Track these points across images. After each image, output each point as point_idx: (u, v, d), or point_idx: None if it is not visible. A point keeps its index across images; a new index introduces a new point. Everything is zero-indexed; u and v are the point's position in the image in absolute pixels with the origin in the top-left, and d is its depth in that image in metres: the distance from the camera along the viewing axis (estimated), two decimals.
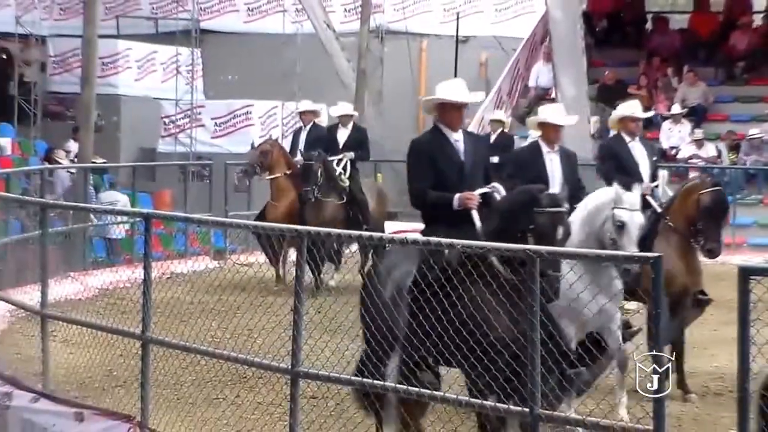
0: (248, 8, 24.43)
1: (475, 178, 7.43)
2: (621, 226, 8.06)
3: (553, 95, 20.86)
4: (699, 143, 19.83)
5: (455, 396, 6.47)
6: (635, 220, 8.13)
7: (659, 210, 9.60)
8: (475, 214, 7.29)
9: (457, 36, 21.64)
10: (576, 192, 8.35)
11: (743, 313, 5.20)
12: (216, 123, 22.34)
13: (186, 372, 8.59)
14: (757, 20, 22.51)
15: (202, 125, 22.34)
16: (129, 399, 8.41)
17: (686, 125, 20.42)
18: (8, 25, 22.08)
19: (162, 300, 8.68)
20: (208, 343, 8.07)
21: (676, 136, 20.33)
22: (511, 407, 6.20)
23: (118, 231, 16.35)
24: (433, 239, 6.92)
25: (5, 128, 20.81)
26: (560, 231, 6.91)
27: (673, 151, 20.06)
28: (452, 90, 7.50)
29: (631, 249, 7.93)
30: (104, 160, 19.35)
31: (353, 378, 6.91)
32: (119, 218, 15.69)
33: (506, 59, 21.70)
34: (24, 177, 17.23)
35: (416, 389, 6.61)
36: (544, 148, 8.76)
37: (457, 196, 7.29)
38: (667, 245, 9.22)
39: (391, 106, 23.18)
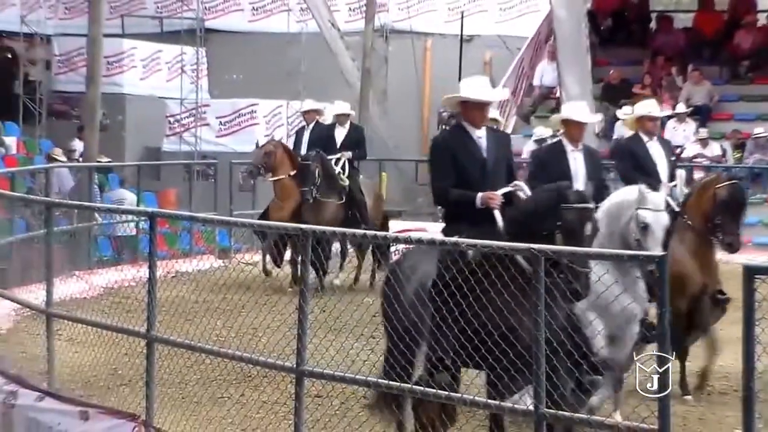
0: (253, 7, 24.42)
1: (498, 175, 7.39)
2: (645, 227, 8.01)
3: (557, 94, 20.86)
4: (704, 142, 19.81)
5: (459, 395, 6.47)
6: (660, 221, 8.07)
7: (677, 209, 9.52)
8: (497, 214, 7.24)
9: (461, 35, 21.62)
10: (600, 190, 8.27)
11: (748, 312, 5.20)
12: (221, 122, 22.34)
13: (191, 371, 8.62)
14: (762, 19, 22.48)
15: (207, 124, 22.35)
16: (134, 398, 8.39)
17: (691, 124, 20.40)
18: (13, 24, 22.11)
19: (167, 299, 8.66)
20: (213, 342, 8.06)
21: (681, 135, 20.30)
22: (516, 406, 6.22)
23: (129, 230, 16.35)
24: (438, 237, 6.94)
25: (10, 127, 20.82)
26: (588, 228, 6.84)
27: (678, 150, 20.04)
28: (476, 88, 7.47)
29: (656, 250, 7.83)
30: (109, 159, 19.36)
31: (358, 377, 6.88)
32: (125, 217, 15.68)
33: (511, 58, 21.69)
34: (29, 176, 17.23)
35: (419, 387, 6.61)
36: (568, 147, 8.61)
37: (479, 195, 7.25)
38: (685, 243, 9.16)
39: (396, 105, 23.18)
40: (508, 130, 20.68)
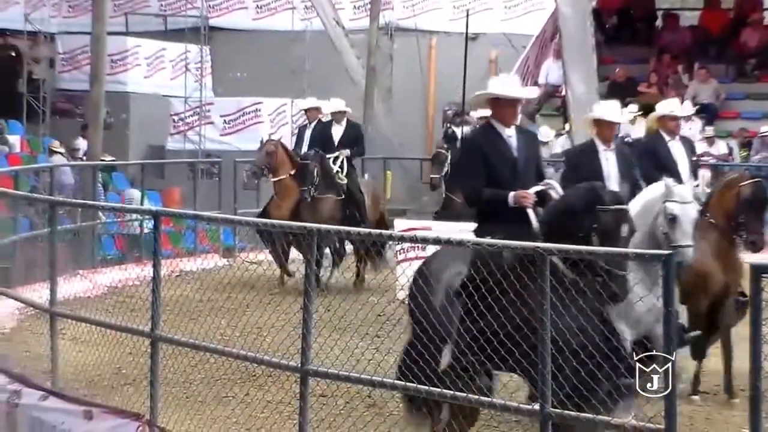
0: (257, 5, 24.38)
1: (528, 174, 7.36)
2: (673, 219, 7.93)
3: (562, 92, 20.81)
4: (710, 141, 19.75)
5: (464, 394, 6.44)
6: (688, 213, 8.00)
7: (700, 208, 9.46)
8: (530, 213, 7.20)
9: (466, 33, 21.47)
10: (633, 190, 8.21)
11: (755, 312, 5.20)
12: (225, 120, 22.31)
13: (195, 370, 8.54)
14: None
15: (211, 123, 22.32)
16: (138, 397, 8.35)
17: (697, 123, 20.32)
18: (17, 22, 22.10)
19: (171, 298, 8.67)
20: (218, 341, 8.03)
21: (687, 133, 20.20)
22: (522, 406, 6.23)
23: (137, 228, 16.34)
24: (443, 237, 6.90)
25: (14, 125, 20.81)
26: (625, 229, 6.79)
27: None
28: (506, 85, 7.46)
29: (685, 243, 7.82)
30: (113, 158, 19.37)
31: (363, 376, 6.87)
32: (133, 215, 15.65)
33: (516, 56, 21.65)
34: (33, 174, 17.21)
35: (425, 387, 6.58)
36: (600, 147, 8.50)
37: (512, 193, 7.22)
38: (708, 243, 9.09)
39: (401, 104, 23.14)
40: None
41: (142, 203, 17.27)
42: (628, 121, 19.99)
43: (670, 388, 5.50)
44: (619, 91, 20.80)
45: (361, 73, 22.51)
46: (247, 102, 22.28)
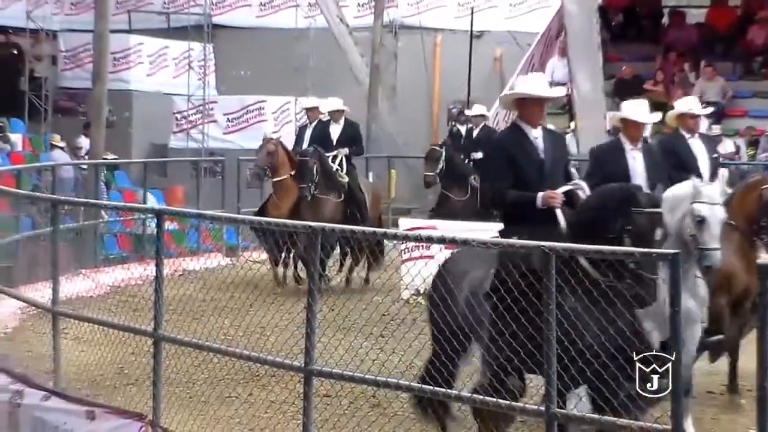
0: (260, 3, 24.35)
1: (556, 176, 7.29)
2: (701, 221, 7.84)
3: (568, 90, 20.72)
4: (717, 139, 19.67)
5: (469, 395, 6.47)
6: (716, 215, 7.90)
7: None
8: (559, 213, 7.13)
9: (471, 31, 21.44)
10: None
11: (763, 312, 5.16)
12: (228, 119, 22.30)
13: (198, 370, 8.54)
14: None
15: (215, 121, 22.31)
16: (141, 397, 8.34)
17: (704, 121, 20.24)
18: (19, 20, 22.06)
19: (174, 297, 8.62)
20: (221, 341, 8.02)
21: None
22: (527, 406, 6.21)
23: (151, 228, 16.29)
24: (448, 236, 6.85)
25: (16, 124, 20.77)
26: (658, 233, 6.68)
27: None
28: (533, 84, 7.39)
29: (713, 245, 7.73)
30: (115, 157, 19.35)
31: (367, 376, 6.83)
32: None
33: (521, 54, 21.57)
34: (35, 173, 17.18)
35: (430, 387, 6.56)
36: (627, 145, 8.36)
37: (540, 194, 7.14)
38: (728, 244, 9.00)
39: (405, 102, 23.10)
40: None
41: (144, 202, 17.22)
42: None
43: (675, 388, 5.50)
44: (625, 89, 20.75)
45: (365, 72, 22.48)
46: (251, 100, 22.26)
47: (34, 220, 14.59)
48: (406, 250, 13.37)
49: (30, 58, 22.20)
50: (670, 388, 5.53)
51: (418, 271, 12.17)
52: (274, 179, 15.08)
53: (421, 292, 12.52)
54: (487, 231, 13.07)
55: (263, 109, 22.11)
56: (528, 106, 7.30)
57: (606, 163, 8.32)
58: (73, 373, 9.35)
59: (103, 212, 16.29)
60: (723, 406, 9.10)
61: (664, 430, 5.49)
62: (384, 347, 7.87)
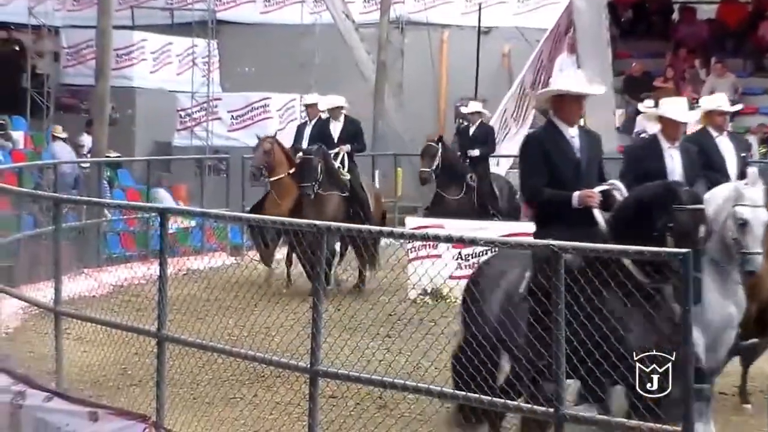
0: None
1: (591, 175, 7.21)
2: (743, 224, 7.73)
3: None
4: None
5: (476, 395, 6.39)
6: (759, 217, 7.78)
7: None
8: (597, 213, 7.03)
9: (479, 27, 21.43)
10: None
11: None
12: (233, 116, 22.24)
13: (202, 371, 8.57)
14: None
15: (219, 118, 22.25)
16: (144, 398, 8.35)
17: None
18: (21, 15, 21.99)
19: (178, 297, 8.62)
20: (225, 341, 7.98)
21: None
22: (536, 407, 6.19)
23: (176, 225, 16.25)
24: (455, 235, 6.76)
25: (18, 121, 20.72)
26: (702, 230, 6.61)
27: None
28: (573, 81, 7.33)
29: (756, 249, 7.64)
30: (118, 154, 19.29)
31: (373, 377, 6.79)
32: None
33: (529, 51, 21.44)
34: (37, 171, 17.11)
35: (435, 388, 6.52)
36: (664, 144, 8.24)
37: (576, 193, 7.05)
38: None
39: (412, 99, 23.05)
40: (527, 124, 20.51)
41: (148, 200, 17.16)
42: (644, 117, 19.81)
43: (686, 390, 5.47)
44: (635, 86, 20.66)
45: (371, 68, 22.43)
46: (256, 97, 22.20)
47: (36, 219, 14.57)
48: (413, 250, 13.27)
49: (32, 55, 22.14)
50: (683, 389, 5.49)
51: (425, 271, 12.13)
52: (272, 178, 14.92)
53: (428, 291, 12.46)
54: (495, 230, 13.03)
55: (268, 106, 22.04)
56: (566, 104, 7.21)
57: (643, 160, 8.23)
58: (75, 374, 9.31)
59: (106, 211, 16.20)
60: (735, 407, 9.03)
61: None
62: (391, 348, 7.84)
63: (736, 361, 9.62)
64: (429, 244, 12.92)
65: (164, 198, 18.74)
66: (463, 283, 11.69)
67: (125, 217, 16.95)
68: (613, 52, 20.09)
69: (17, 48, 22.43)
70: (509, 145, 20.18)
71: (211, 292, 9.27)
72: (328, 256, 12.67)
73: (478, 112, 16.54)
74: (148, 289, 10.04)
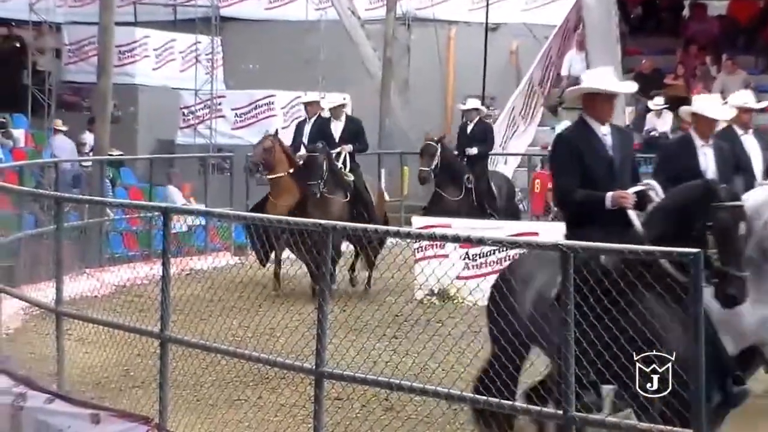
0: None
1: (625, 174, 7.09)
2: None
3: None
4: None
5: (485, 398, 6.36)
6: None
7: None
8: (632, 214, 6.91)
9: (486, 23, 21.34)
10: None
11: None
12: (237, 114, 22.22)
13: (206, 372, 8.58)
14: None
15: (223, 116, 22.23)
16: (147, 400, 8.31)
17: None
18: (22, 12, 21.93)
19: (181, 297, 8.61)
20: (229, 343, 7.98)
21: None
22: (544, 410, 6.19)
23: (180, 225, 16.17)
24: (462, 235, 6.78)
25: (18, 119, 20.69)
26: (742, 227, 6.50)
27: None
28: (603, 79, 7.17)
29: None
30: (121, 153, 19.24)
31: (380, 379, 6.74)
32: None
33: (538, 47, 21.40)
34: (38, 170, 17.04)
35: (442, 390, 6.44)
36: (697, 142, 8.17)
37: (609, 194, 6.92)
38: None
39: (418, 96, 23.03)
40: (536, 121, 20.43)
41: (151, 199, 17.09)
42: (654, 115, 19.73)
43: (695, 392, 5.45)
44: (645, 83, 20.50)
45: (377, 65, 22.41)
46: (260, 95, 22.18)
47: (37, 218, 14.52)
48: (420, 249, 13.17)
49: (33, 52, 22.06)
50: (691, 391, 5.44)
51: (432, 271, 12.04)
52: (270, 176, 14.80)
53: (435, 292, 12.37)
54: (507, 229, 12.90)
55: (272, 103, 22.01)
56: (598, 102, 7.08)
57: (676, 158, 8.15)
58: (77, 375, 9.28)
59: (108, 210, 16.12)
60: (743, 410, 8.88)
61: None
62: (397, 349, 7.83)
63: None
64: (436, 244, 12.81)
65: (173, 194, 18.65)
66: (471, 283, 11.64)
67: (128, 216, 16.88)
68: (622, 49, 20.03)
69: (18, 45, 22.36)
70: (517, 143, 20.12)
71: (215, 293, 9.32)
72: (333, 255, 12.52)
73: (476, 109, 16.46)
74: (150, 290, 9.96)
